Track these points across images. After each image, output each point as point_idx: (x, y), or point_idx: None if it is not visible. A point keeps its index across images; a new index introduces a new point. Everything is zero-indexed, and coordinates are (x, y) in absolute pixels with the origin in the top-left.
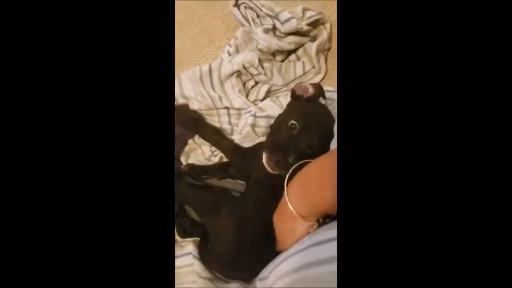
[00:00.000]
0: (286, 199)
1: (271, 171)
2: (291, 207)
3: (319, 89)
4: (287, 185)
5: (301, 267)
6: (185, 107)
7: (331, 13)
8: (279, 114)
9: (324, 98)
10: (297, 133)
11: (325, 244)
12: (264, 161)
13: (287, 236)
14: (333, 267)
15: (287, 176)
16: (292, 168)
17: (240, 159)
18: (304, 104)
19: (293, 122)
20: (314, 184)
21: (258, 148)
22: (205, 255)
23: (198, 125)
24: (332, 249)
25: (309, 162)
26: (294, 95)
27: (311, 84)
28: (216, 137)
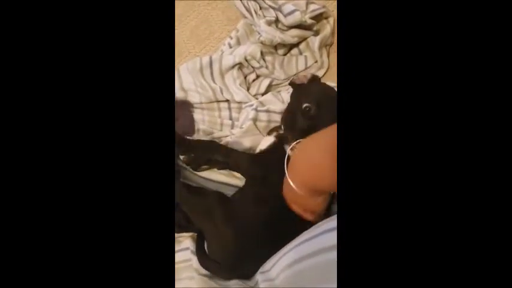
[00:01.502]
0: (289, 179)
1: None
2: (293, 186)
3: (315, 76)
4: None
5: (304, 257)
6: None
7: (334, 7)
8: (289, 103)
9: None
10: (313, 115)
11: (330, 233)
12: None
13: (303, 212)
14: (334, 255)
15: (286, 155)
16: (291, 145)
17: (259, 168)
18: (311, 87)
19: (307, 104)
20: (313, 163)
21: (270, 150)
22: (203, 259)
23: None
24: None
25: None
26: (294, 84)
27: (308, 73)
28: (227, 154)
